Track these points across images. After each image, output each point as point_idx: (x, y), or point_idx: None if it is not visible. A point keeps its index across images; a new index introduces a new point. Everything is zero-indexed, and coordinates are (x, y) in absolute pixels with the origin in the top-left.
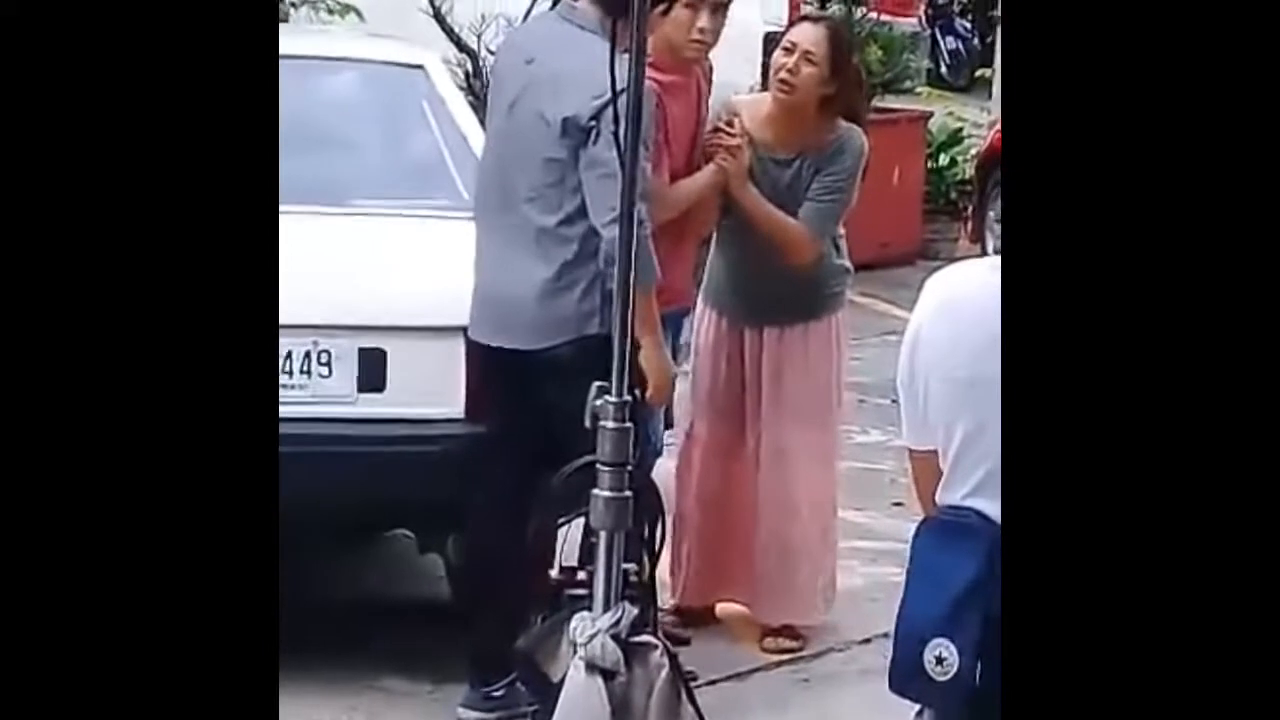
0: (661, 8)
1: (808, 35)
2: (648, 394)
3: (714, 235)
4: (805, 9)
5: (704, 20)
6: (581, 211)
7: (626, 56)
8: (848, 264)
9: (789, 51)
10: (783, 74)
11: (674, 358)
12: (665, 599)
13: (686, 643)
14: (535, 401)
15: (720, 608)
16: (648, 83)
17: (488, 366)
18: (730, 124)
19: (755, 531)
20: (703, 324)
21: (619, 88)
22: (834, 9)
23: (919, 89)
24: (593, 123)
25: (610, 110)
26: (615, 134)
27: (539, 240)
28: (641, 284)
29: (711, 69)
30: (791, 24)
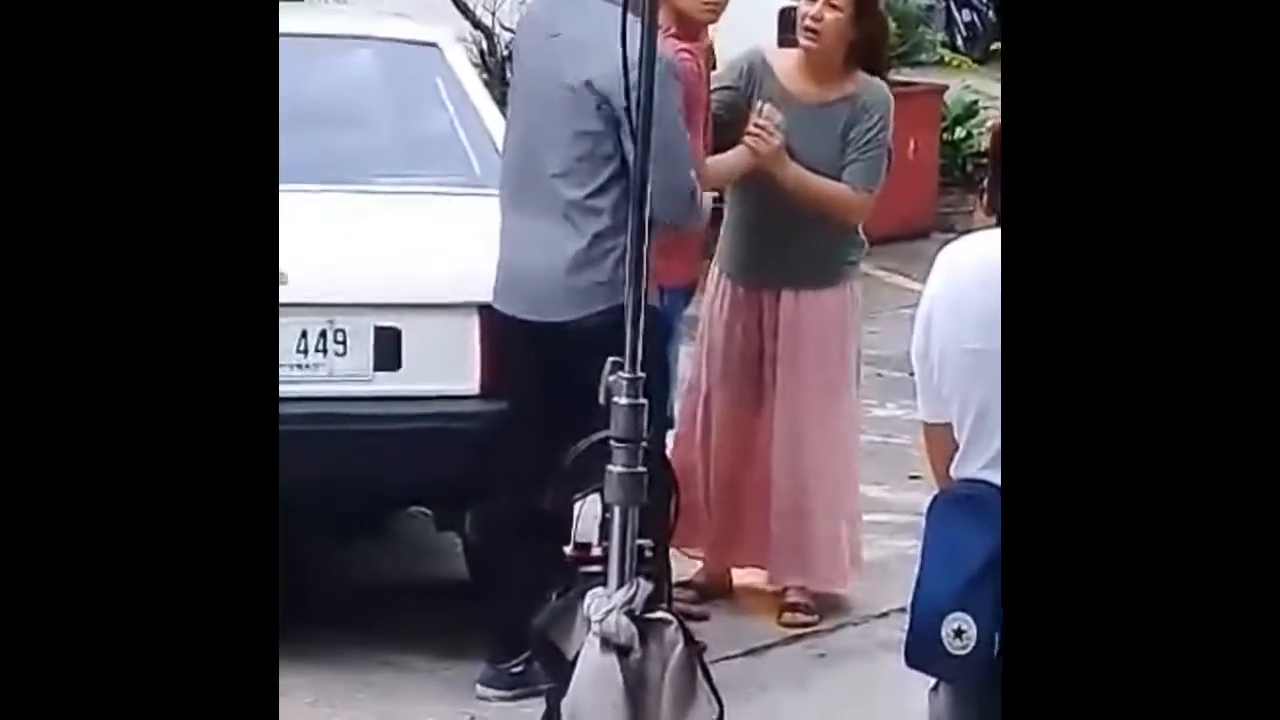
0: None
1: None
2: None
3: (728, 206)
4: None
5: None
6: (612, 182)
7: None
8: (863, 236)
9: (812, 1)
10: (807, 21)
11: (681, 331)
12: (682, 573)
13: (704, 619)
14: (560, 374)
15: (737, 582)
16: (675, 52)
17: (512, 340)
18: (764, 111)
19: (772, 494)
20: (717, 292)
21: (632, 56)
22: None
23: (947, 57)
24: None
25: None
26: (627, 108)
27: (568, 213)
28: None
29: (714, 50)
30: None
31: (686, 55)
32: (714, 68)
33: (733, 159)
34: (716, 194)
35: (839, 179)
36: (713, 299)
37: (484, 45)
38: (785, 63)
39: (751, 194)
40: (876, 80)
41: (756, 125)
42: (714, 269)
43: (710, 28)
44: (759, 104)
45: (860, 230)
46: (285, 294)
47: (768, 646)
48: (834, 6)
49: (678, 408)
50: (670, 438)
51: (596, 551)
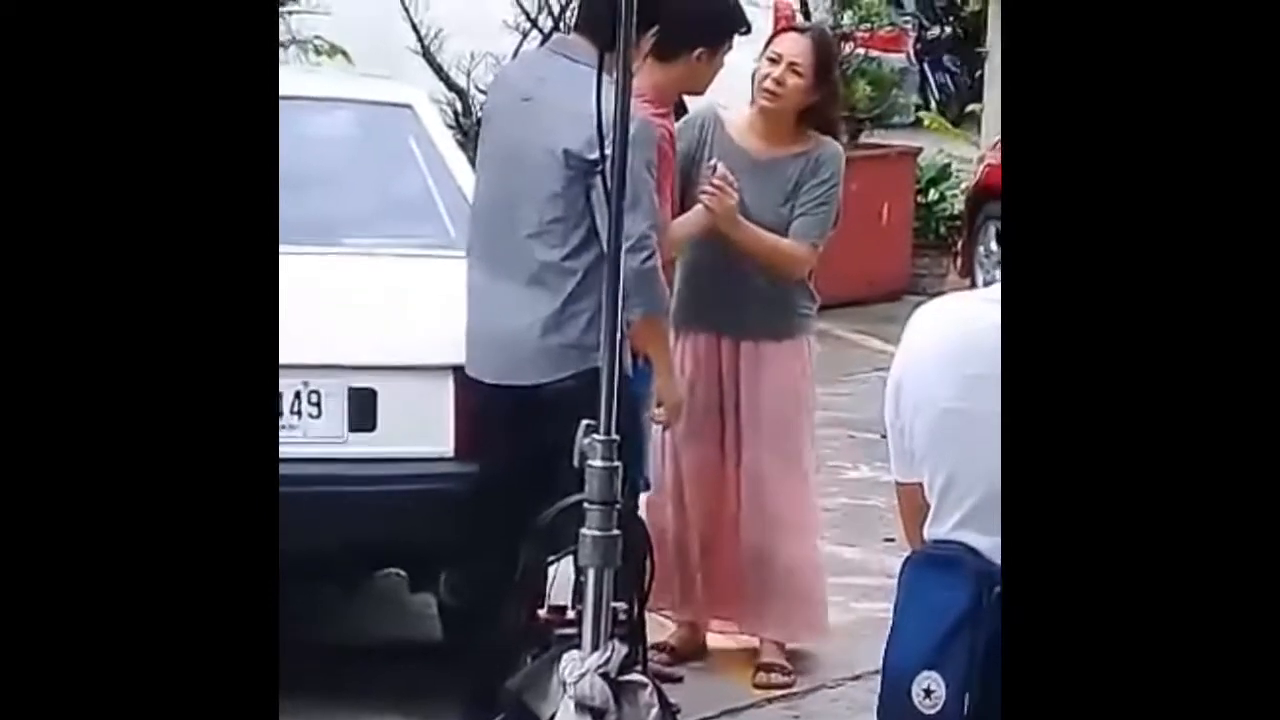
0: (650, 39)
1: (794, 46)
2: (660, 414)
3: (678, 262)
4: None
5: (716, 68)
6: (585, 244)
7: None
8: (813, 290)
9: (775, 62)
10: (768, 83)
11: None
12: (656, 636)
13: (678, 680)
14: (536, 438)
15: (711, 644)
16: (655, 118)
17: (486, 405)
18: (718, 171)
19: (741, 547)
20: (675, 349)
21: (611, 120)
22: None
23: (926, 119)
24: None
25: (615, 141)
26: (601, 171)
27: (541, 275)
28: (653, 311)
29: (684, 105)
30: (776, 34)
31: (657, 120)
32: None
33: (692, 219)
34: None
35: (785, 233)
36: (674, 358)
37: (458, 106)
38: (737, 119)
39: (701, 249)
40: (830, 139)
41: (712, 184)
42: (672, 330)
43: None
44: (711, 162)
45: (811, 284)
46: None
47: (742, 708)
48: (797, 72)
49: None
50: (644, 500)
51: (571, 614)
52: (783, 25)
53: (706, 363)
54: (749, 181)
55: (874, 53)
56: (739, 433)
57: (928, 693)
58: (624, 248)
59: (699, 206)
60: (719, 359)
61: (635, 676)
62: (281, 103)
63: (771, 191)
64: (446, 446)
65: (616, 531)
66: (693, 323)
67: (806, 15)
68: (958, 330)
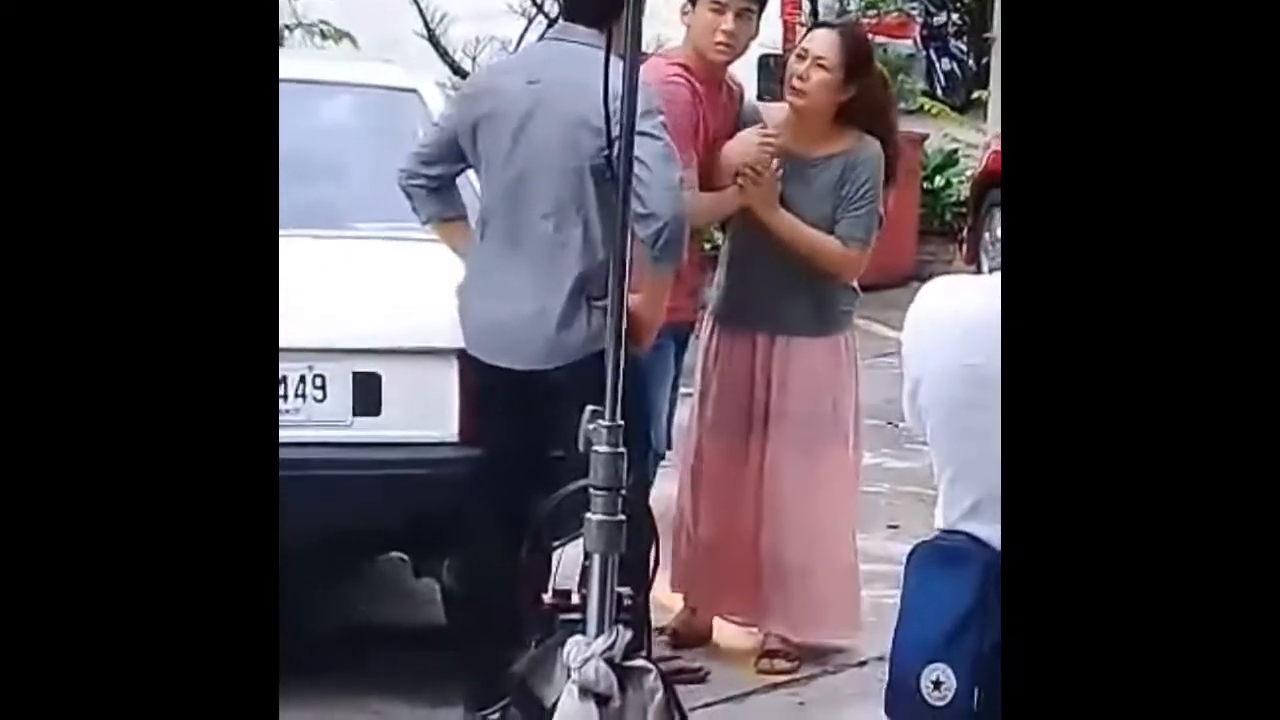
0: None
1: (820, 42)
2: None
3: (724, 249)
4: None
5: (728, 24)
6: (593, 225)
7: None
8: (855, 286)
9: (801, 59)
10: (794, 80)
11: (676, 378)
12: (663, 618)
13: (703, 680)
14: (541, 422)
15: (716, 629)
16: (665, 79)
17: (493, 388)
18: (763, 147)
19: (760, 544)
20: (710, 337)
21: (616, 94)
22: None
23: (927, 105)
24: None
25: (636, 114)
26: (609, 160)
27: (553, 256)
28: (670, 260)
29: (743, 88)
30: (807, 31)
31: (679, 79)
32: (741, 102)
33: (722, 198)
34: (709, 239)
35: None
36: (706, 344)
37: None
38: (775, 116)
39: (746, 239)
40: (864, 138)
41: (747, 167)
42: (708, 314)
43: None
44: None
45: (854, 281)
46: None
47: (747, 694)
48: (822, 66)
49: (669, 453)
50: (656, 480)
51: (576, 599)
52: (789, 16)
53: (739, 358)
54: (790, 182)
55: (881, 39)
56: (766, 430)
57: (937, 684)
58: (639, 217)
59: (732, 187)
60: (752, 355)
61: (640, 662)
62: (287, 87)
63: (813, 192)
64: (451, 430)
65: (622, 516)
66: (728, 317)
67: (814, 4)
68: (963, 324)
